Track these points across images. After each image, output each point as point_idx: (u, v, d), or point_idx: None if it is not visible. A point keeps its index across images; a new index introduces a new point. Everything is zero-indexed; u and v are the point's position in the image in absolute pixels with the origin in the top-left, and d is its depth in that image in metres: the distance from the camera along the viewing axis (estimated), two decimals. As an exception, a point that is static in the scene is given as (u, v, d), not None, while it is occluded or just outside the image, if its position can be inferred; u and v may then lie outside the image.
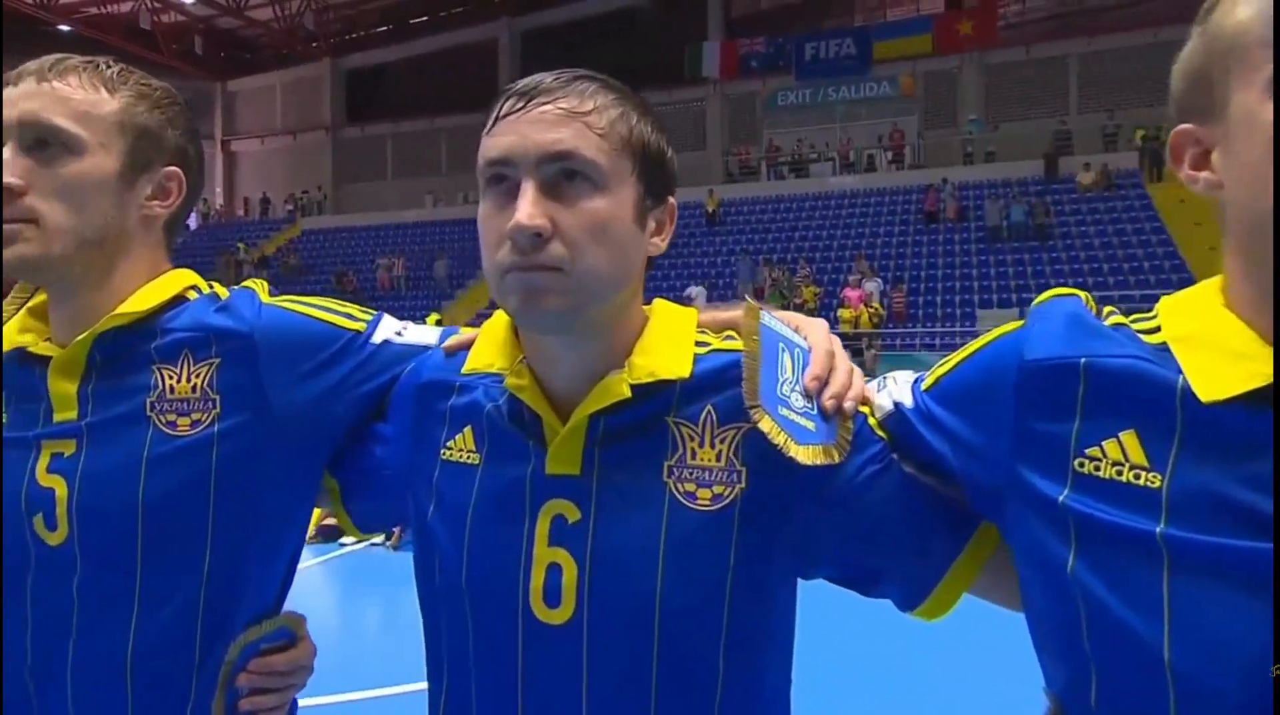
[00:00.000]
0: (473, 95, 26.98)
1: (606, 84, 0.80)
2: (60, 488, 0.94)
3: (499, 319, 0.91)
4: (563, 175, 0.76)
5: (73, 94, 0.94)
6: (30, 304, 1.02)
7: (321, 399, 0.99)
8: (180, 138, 1.02)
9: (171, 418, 0.95)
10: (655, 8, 25.09)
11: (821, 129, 23.27)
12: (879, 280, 16.85)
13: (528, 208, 0.74)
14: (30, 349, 0.97)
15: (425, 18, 28.07)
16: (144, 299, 0.98)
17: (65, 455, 0.95)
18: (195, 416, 0.95)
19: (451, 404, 0.91)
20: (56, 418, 0.96)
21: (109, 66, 0.97)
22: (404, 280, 22.01)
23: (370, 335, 1.03)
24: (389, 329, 1.04)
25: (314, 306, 1.03)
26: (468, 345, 0.95)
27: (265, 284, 1.05)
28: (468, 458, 0.88)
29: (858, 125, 23.02)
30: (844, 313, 15.88)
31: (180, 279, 1.02)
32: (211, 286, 1.05)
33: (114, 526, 0.93)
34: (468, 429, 0.89)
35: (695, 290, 17.75)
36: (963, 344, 0.81)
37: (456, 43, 27.68)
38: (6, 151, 0.91)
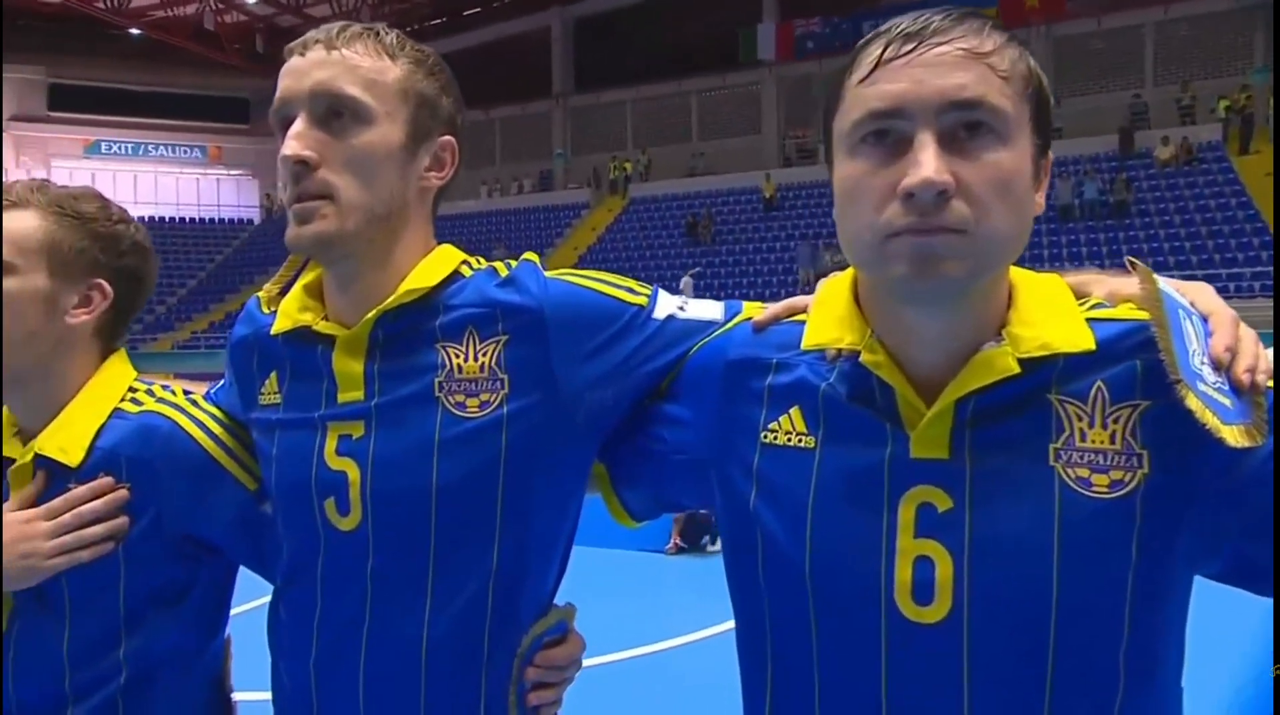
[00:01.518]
0: (526, 85, 27.08)
1: (995, 21, 0.72)
2: (352, 471, 0.90)
3: (834, 289, 0.83)
4: (962, 126, 0.68)
5: (361, 61, 0.89)
6: (304, 281, 0.98)
7: (605, 378, 0.93)
8: (452, 105, 0.97)
9: (460, 398, 0.90)
10: (708, -9, 24.76)
11: (882, 108, 22.75)
12: (946, 263, 16.42)
13: (933, 162, 0.66)
14: (315, 327, 0.93)
15: (478, 9, 28.20)
16: (427, 274, 0.93)
17: (354, 437, 0.90)
18: (484, 397, 0.90)
19: (770, 383, 0.84)
20: (342, 398, 0.92)
21: (387, 32, 0.93)
22: (464, 269, 22.23)
23: (652, 310, 0.96)
24: (670, 304, 0.98)
25: (595, 279, 0.97)
26: (778, 319, 0.88)
27: (537, 256, 0.99)
28: (799, 441, 0.81)
29: (919, 103, 22.46)
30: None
31: (454, 254, 0.97)
32: (479, 259, 0.99)
33: (408, 512, 0.89)
34: (795, 409, 0.82)
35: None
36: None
37: (509, 33, 27.74)
38: (299, 124, 0.87)
